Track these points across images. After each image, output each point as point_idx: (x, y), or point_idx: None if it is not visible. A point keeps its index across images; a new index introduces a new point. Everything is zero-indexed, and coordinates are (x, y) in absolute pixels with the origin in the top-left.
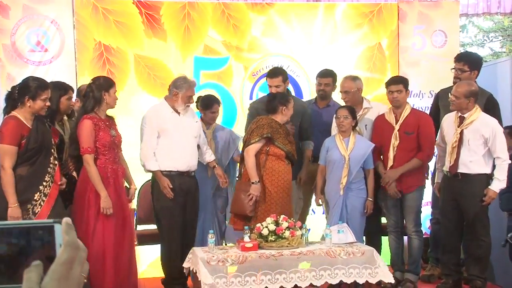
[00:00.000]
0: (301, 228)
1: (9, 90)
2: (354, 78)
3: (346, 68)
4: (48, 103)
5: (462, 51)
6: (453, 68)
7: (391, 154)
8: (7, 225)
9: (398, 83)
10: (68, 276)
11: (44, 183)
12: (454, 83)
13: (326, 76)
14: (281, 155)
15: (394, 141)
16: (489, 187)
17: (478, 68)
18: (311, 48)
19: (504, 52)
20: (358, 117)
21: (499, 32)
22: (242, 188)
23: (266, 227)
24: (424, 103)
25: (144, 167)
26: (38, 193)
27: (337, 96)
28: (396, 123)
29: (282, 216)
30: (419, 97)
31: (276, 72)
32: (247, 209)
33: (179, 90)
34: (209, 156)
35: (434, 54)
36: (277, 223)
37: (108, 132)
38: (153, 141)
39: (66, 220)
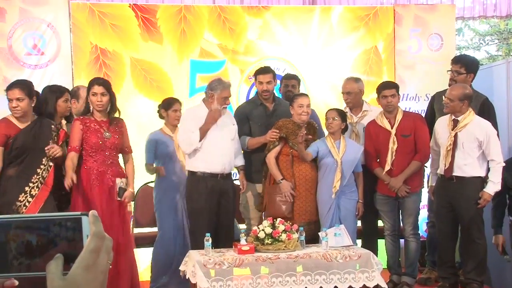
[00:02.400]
0: (297, 231)
1: None
2: (357, 80)
3: (343, 71)
4: (14, 104)
5: (458, 54)
6: (450, 70)
7: (389, 159)
8: (36, 217)
9: (392, 88)
10: (96, 264)
11: (31, 184)
12: (450, 85)
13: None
14: (297, 154)
15: (392, 145)
16: (484, 190)
17: (474, 71)
18: (307, 51)
19: (500, 55)
20: (357, 119)
21: (495, 35)
22: (276, 191)
23: (263, 230)
24: (420, 106)
25: (186, 150)
26: (23, 193)
27: (331, 97)
28: (392, 127)
29: (279, 219)
30: (415, 100)
31: (267, 69)
32: (285, 210)
33: (214, 92)
34: (239, 161)
35: (430, 57)
36: (273, 226)
37: (97, 134)
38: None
39: (93, 212)
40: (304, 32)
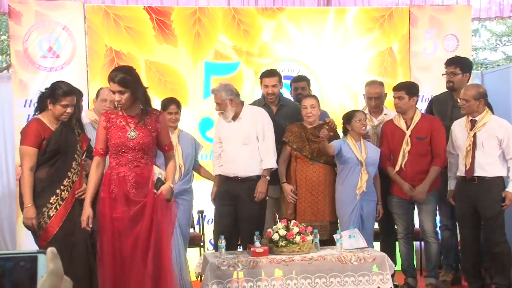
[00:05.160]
0: (311, 233)
1: (41, 91)
2: (381, 83)
3: (357, 73)
4: (69, 110)
5: (474, 55)
6: (445, 74)
7: (400, 160)
8: None
9: (399, 89)
10: None
11: (62, 187)
12: (448, 88)
13: (301, 80)
14: (301, 157)
15: (405, 147)
16: (507, 189)
17: (469, 70)
18: (322, 53)
19: None
20: (377, 122)
21: None
22: (283, 194)
23: (277, 232)
24: None
25: None
26: (54, 196)
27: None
28: (408, 128)
29: (293, 221)
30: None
31: (273, 72)
32: (287, 212)
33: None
34: (266, 164)
35: (446, 58)
36: (287, 228)
37: (120, 131)
38: (216, 146)
39: (51, 249)
40: (318, 34)
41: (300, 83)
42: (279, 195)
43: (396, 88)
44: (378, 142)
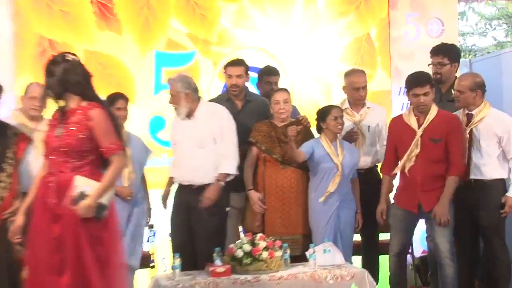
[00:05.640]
0: (281, 248)
1: None
2: (364, 72)
3: (330, 63)
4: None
5: (461, 41)
6: (431, 64)
7: (403, 163)
8: None
9: (425, 83)
10: None
11: None
12: (435, 80)
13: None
14: (270, 159)
15: (414, 149)
16: (507, 194)
17: (458, 60)
18: (289, 40)
19: (509, 42)
20: (360, 116)
21: (503, 19)
22: (248, 203)
23: (241, 247)
24: None
25: None
26: None
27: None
28: (419, 127)
29: (260, 235)
30: None
31: (239, 61)
32: (253, 224)
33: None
34: (223, 168)
35: (430, 45)
36: (253, 243)
37: (49, 130)
38: (172, 148)
39: None
40: (285, 19)
41: (274, 78)
42: (244, 204)
43: (419, 83)
44: (363, 140)
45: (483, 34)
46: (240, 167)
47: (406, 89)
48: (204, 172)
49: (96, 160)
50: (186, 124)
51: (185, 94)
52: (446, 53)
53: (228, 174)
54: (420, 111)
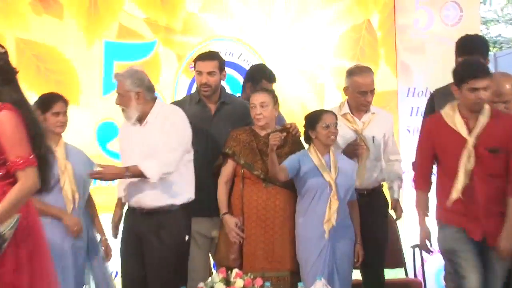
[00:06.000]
0: (262, 287)
1: None
2: (372, 71)
3: (322, 57)
4: None
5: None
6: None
7: (460, 183)
8: None
9: (485, 75)
10: None
11: None
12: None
13: None
14: (251, 176)
15: (467, 163)
16: None
17: (488, 55)
18: (272, 28)
19: None
20: (362, 124)
21: None
22: (224, 230)
23: (212, 287)
24: None
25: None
26: None
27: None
28: (470, 132)
29: (236, 271)
30: (425, 95)
31: (211, 54)
32: (228, 256)
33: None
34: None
35: (445, 35)
36: (227, 282)
37: None
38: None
39: None
40: (266, 2)
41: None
42: (217, 232)
43: (480, 74)
44: (367, 153)
45: (510, 22)
46: (213, 185)
47: (456, 83)
48: (155, 192)
49: (7, 175)
50: (135, 131)
51: (136, 94)
52: (479, 49)
53: (143, 174)
54: (475, 109)
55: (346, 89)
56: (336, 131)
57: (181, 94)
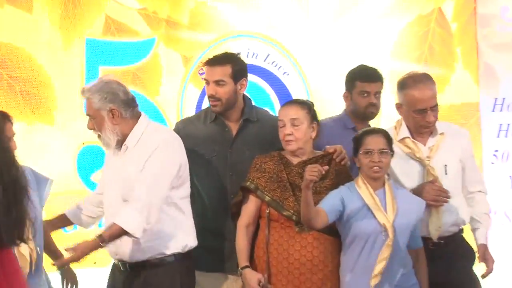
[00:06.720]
0: None
1: None
2: (433, 80)
3: (376, 59)
4: None
5: None
6: None
7: None
8: None
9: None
10: None
11: None
12: None
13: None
14: (279, 218)
15: None
16: None
17: None
18: (309, 23)
19: None
20: (428, 151)
21: None
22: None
23: None
24: None
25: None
26: None
27: None
28: None
29: None
30: None
31: (220, 58)
32: None
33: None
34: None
35: None
36: None
37: None
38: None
39: None
40: None
41: (375, 86)
42: None
43: None
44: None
45: None
46: (230, 230)
47: None
48: (136, 240)
49: None
50: (115, 161)
51: (109, 112)
52: None
53: (125, 231)
54: None
55: (399, 107)
56: (383, 161)
57: (189, 110)
